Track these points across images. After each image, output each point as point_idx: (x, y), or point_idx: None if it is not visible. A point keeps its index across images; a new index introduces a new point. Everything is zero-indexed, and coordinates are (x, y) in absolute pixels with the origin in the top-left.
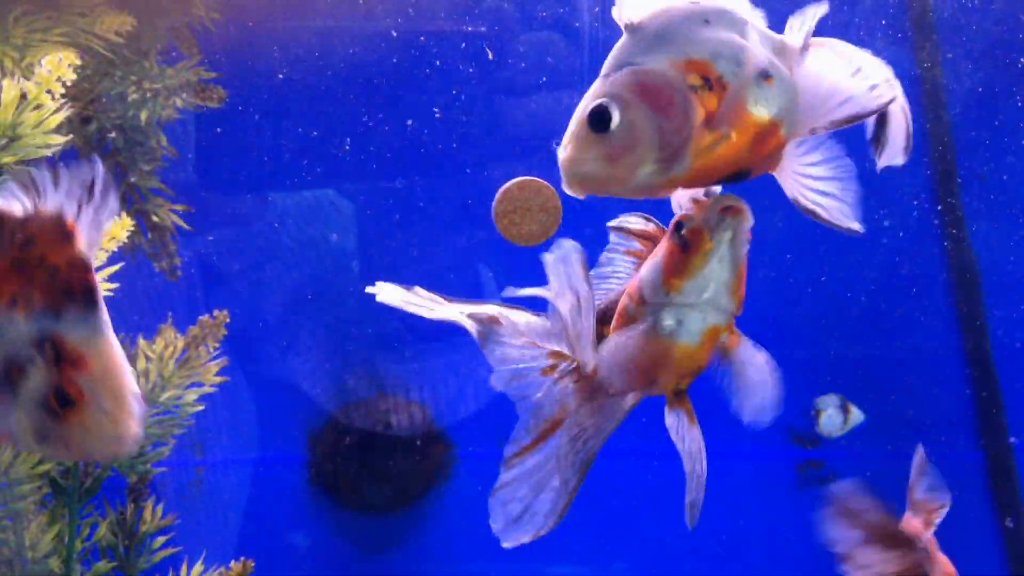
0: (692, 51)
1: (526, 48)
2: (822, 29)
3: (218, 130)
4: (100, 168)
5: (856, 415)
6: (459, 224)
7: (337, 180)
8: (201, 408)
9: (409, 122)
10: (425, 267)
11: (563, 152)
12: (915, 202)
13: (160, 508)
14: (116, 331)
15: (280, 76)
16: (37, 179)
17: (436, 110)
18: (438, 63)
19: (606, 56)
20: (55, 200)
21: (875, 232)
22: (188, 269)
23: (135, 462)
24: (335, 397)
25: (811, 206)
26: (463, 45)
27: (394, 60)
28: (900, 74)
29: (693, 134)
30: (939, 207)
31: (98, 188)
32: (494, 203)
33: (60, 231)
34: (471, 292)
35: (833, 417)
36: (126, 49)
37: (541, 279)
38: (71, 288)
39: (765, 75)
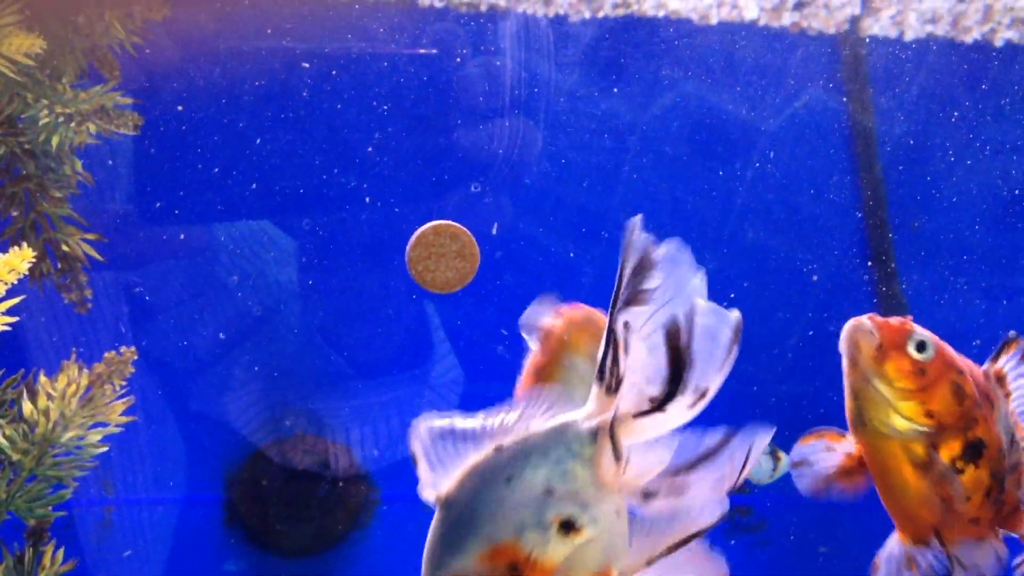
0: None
1: (447, 83)
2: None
3: (146, 157)
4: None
5: (786, 462)
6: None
7: (265, 212)
8: (105, 449)
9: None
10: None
11: None
12: (842, 253)
13: (60, 553)
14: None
15: (210, 102)
16: None
17: (370, 146)
18: (362, 94)
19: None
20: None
21: (806, 283)
22: (111, 302)
23: (33, 505)
24: (256, 436)
25: None
26: (390, 76)
27: (320, 89)
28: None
29: None
30: (870, 260)
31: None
32: (407, 248)
33: None
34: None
35: (763, 464)
36: (38, 71)
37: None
38: None
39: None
